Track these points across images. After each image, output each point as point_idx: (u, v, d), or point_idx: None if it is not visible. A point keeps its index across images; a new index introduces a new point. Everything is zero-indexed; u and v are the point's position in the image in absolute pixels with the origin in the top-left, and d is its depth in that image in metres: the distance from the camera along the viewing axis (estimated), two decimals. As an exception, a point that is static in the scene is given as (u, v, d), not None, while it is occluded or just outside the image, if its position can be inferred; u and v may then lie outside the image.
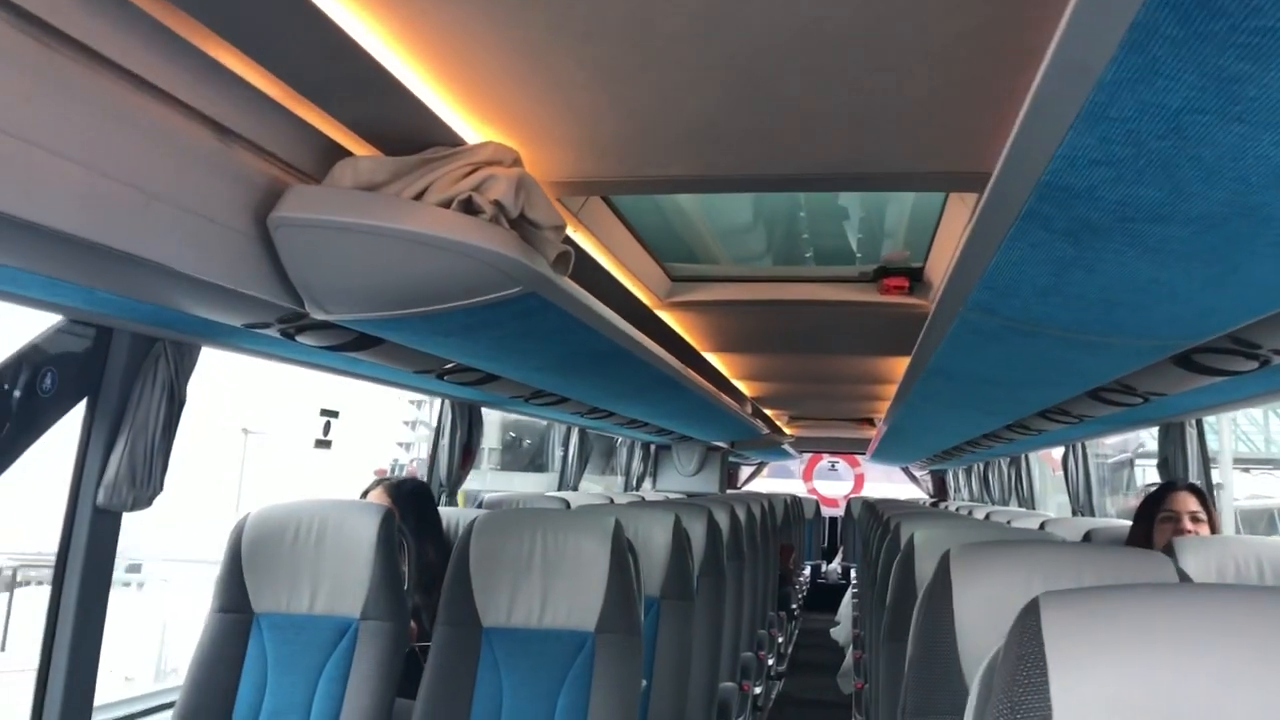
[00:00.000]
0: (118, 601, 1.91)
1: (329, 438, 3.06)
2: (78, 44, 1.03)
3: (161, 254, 1.23)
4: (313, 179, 1.47)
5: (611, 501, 4.59)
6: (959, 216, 2.09)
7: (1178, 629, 0.75)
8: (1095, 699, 0.73)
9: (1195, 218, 1.00)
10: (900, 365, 3.39)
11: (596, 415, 4.17)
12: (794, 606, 7.16)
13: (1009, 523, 3.57)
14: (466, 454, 3.67)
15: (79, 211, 1.08)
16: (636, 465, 7.18)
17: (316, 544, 2.00)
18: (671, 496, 5.84)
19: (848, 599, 7.02)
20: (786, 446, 8.82)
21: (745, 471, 10.97)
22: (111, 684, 1.90)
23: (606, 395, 3.50)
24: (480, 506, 3.96)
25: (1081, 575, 1.40)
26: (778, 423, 7.34)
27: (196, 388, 1.95)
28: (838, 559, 10.80)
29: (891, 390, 4.06)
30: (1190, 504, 2.47)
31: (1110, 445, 7.71)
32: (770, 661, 4.56)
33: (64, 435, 1.76)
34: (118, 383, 1.82)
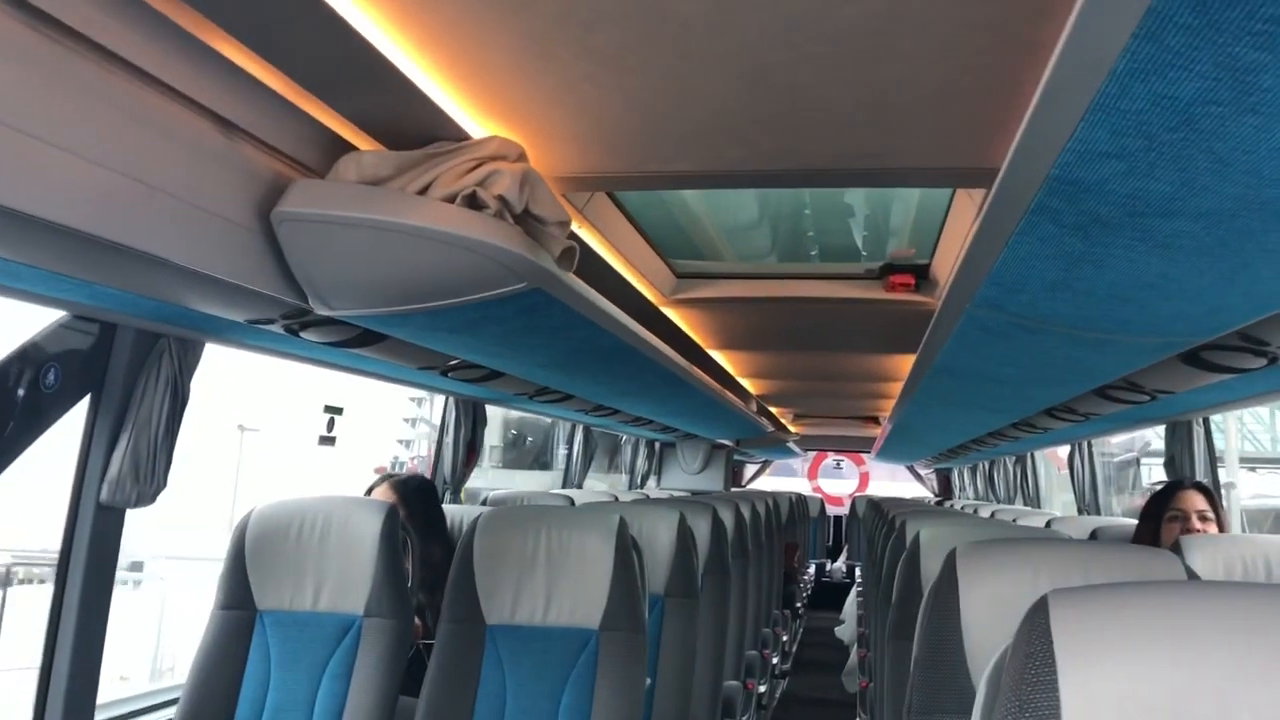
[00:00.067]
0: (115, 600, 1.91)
1: (333, 434, 3.05)
2: (81, 37, 1.03)
3: (164, 248, 1.23)
4: (316, 174, 1.47)
5: (616, 499, 4.59)
6: (965, 213, 2.07)
7: (1187, 626, 0.74)
8: (1105, 696, 0.72)
9: (1206, 212, 0.99)
10: (906, 363, 3.39)
11: (601, 413, 4.16)
12: (798, 605, 7.15)
13: (1015, 521, 3.56)
14: (470, 451, 3.67)
15: (82, 206, 1.08)
16: (641, 463, 7.17)
17: (320, 541, 1.99)
18: (676, 494, 5.84)
19: (852, 597, 7.01)
20: (791, 445, 8.81)
21: (750, 470, 10.97)
22: (107, 683, 1.89)
23: (611, 392, 3.50)
24: (485, 504, 3.96)
25: (1089, 573, 1.39)
26: (783, 421, 7.32)
27: (192, 384, 1.95)
28: (842, 557, 10.79)
29: (897, 388, 4.05)
30: (1198, 503, 2.45)
31: (1116, 444, 7.68)
32: (775, 660, 4.55)
33: (65, 433, 1.76)
34: (121, 379, 1.82)
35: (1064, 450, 5.01)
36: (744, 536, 3.87)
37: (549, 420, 8.80)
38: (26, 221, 1.03)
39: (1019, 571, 1.42)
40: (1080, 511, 4.60)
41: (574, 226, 1.91)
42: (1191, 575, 1.38)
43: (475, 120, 1.44)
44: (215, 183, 1.29)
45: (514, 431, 16.82)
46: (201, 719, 1.88)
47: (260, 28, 1.12)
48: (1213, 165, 0.86)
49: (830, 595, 9.23)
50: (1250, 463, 12.06)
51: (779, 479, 12.47)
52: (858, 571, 8.84)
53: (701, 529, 2.97)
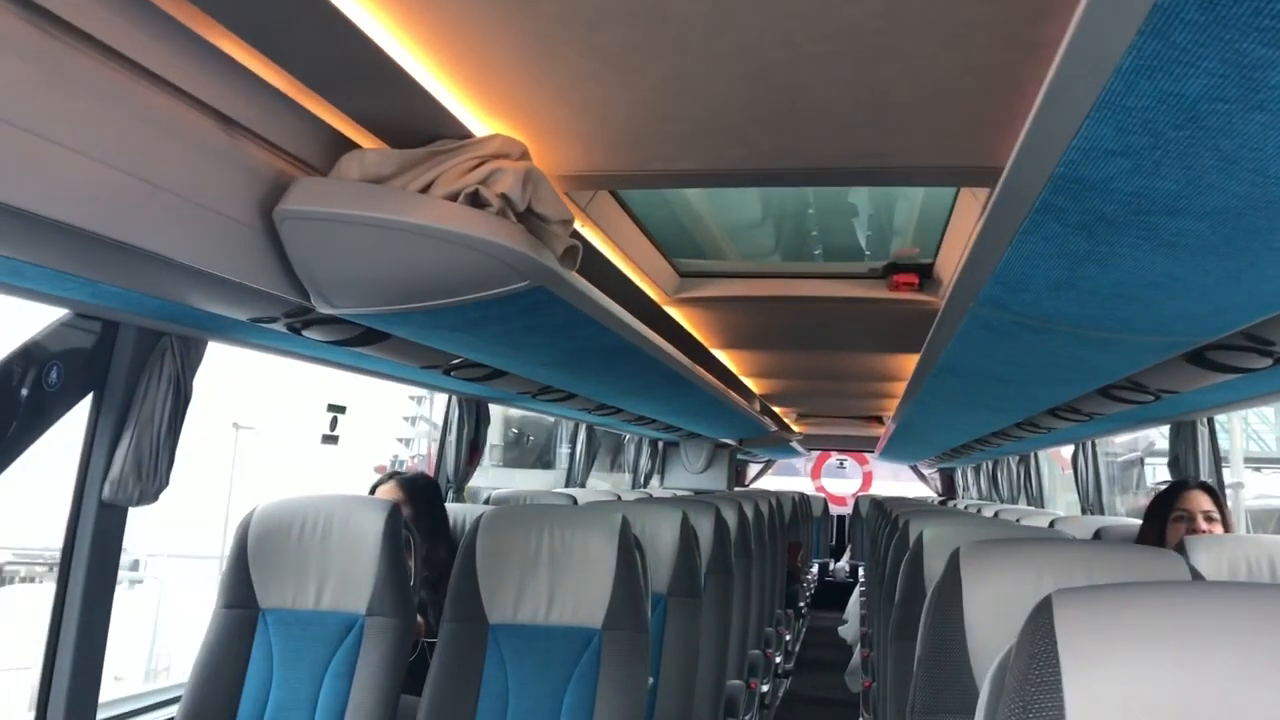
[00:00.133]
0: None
1: (336, 433, 3.05)
2: (83, 34, 1.03)
3: (166, 246, 1.22)
4: (319, 172, 1.47)
5: (619, 498, 4.59)
6: (969, 212, 2.07)
7: (1191, 627, 0.74)
8: (1109, 697, 0.72)
9: (1212, 210, 0.98)
10: (909, 362, 3.38)
11: (604, 411, 4.16)
12: (801, 604, 7.14)
13: (1018, 521, 3.55)
14: (473, 450, 3.67)
15: (85, 204, 1.07)
16: (644, 462, 7.17)
17: (323, 540, 1.99)
18: (679, 493, 5.84)
19: (855, 597, 7.01)
20: (794, 444, 8.81)
21: (753, 469, 10.97)
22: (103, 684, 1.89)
23: (614, 391, 3.49)
24: (487, 503, 3.96)
25: (1093, 573, 1.39)
26: (786, 420, 7.32)
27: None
28: (845, 557, 10.79)
29: (900, 388, 4.04)
30: (1204, 503, 2.44)
31: (1120, 444, 7.67)
32: (778, 659, 4.55)
33: (66, 432, 1.76)
34: (123, 377, 1.82)
35: (1068, 450, 5.00)
36: (747, 536, 3.87)
37: (551, 419, 8.80)
38: (30, 220, 1.03)
39: (1022, 571, 1.42)
40: (1084, 511, 4.60)
41: (577, 225, 1.91)
42: (1196, 576, 1.37)
43: (478, 118, 1.44)
44: (218, 181, 1.29)
45: (515, 430, 16.82)
46: (204, 717, 1.88)
47: (263, 26, 1.12)
48: (1219, 163, 0.86)
49: (833, 595, 9.22)
50: (1255, 463, 12.04)
51: (782, 478, 12.47)
52: (861, 571, 8.84)
53: (704, 528, 2.96)
